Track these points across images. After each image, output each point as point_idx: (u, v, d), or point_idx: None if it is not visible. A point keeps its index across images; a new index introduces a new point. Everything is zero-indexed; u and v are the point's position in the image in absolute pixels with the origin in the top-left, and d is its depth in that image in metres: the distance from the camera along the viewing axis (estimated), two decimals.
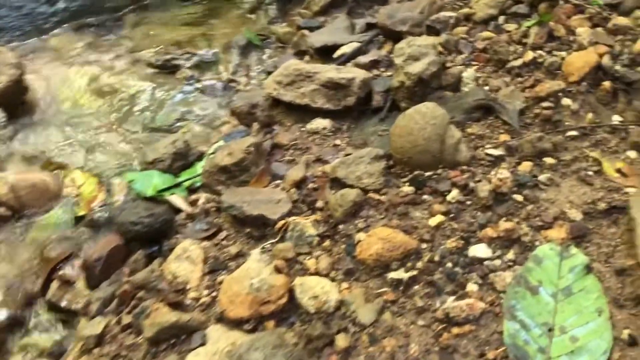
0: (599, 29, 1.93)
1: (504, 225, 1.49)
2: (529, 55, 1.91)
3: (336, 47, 2.34)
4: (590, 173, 1.60)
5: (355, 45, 2.30)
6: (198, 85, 2.47)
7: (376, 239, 1.50)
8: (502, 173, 1.57)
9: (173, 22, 2.91)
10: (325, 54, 2.40)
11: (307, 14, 2.74)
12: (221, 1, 3.01)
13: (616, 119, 1.72)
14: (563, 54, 1.89)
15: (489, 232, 1.49)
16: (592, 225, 1.48)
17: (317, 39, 2.41)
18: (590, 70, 1.79)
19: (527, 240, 1.47)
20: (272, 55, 2.61)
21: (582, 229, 1.46)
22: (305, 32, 2.57)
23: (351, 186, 1.69)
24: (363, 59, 2.20)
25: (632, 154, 1.63)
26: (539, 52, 1.92)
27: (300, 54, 2.53)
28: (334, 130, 2.02)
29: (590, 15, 1.98)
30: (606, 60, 1.81)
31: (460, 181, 1.62)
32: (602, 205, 1.50)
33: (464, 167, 1.67)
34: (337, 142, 1.97)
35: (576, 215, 1.49)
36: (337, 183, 1.73)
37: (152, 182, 1.87)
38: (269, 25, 2.77)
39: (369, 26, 2.41)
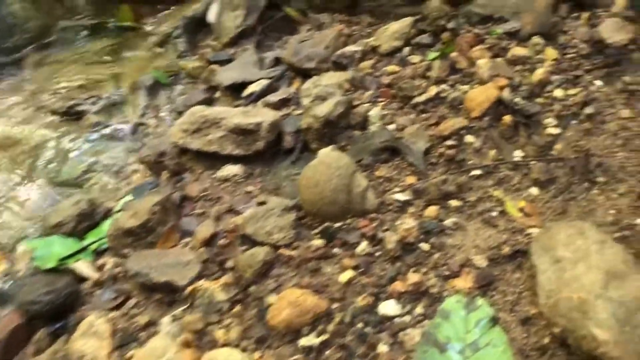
0: (499, 60, 1.94)
1: (412, 277, 1.48)
2: (433, 90, 1.91)
3: (245, 84, 2.29)
4: (495, 214, 1.62)
5: (264, 82, 2.25)
6: (106, 131, 2.37)
7: (286, 303, 1.47)
8: (408, 222, 1.57)
9: (78, 60, 2.78)
10: (235, 90, 2.35)
11: (217, 46, 2.67)
12: (129, 35, 2.90)
13: (518, 154, 1.74)
14: (465, 87, 1.90)
15: (398, 286, 1.48)
16: (497, 272, 1.49)
17: (226, 76, 2.35)
18: (491, 104, 1.80)
19: (435, 291, 1.47)
20: (182, 92, 2.53)
21: (487, 277, 1.47)
22: (215, 66, 2.50)
23: (261, 243, 1.66)
24: (272, 97, 2.16)
25: (534, 190, 1.66)
26: (442, 86, 1.93)
27: (210, 90, 2.46)
28: (245, 176, 1.97)
29: (490, 46, 2.00)
30: (506, 94, 1.83)
31: (369, 231, 1.60)
32: (506, 250, 1.52)
33: (373, 215, 1.65)
34: (250, 188, 1.93)
35: (481, 262, 1.50)
36: (248, 239, 1.69)
37: (53, 250, 1.77)
38: (178, 59, 2.67)
39: (278, 61, 2.36)
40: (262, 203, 1.82)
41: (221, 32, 2.68)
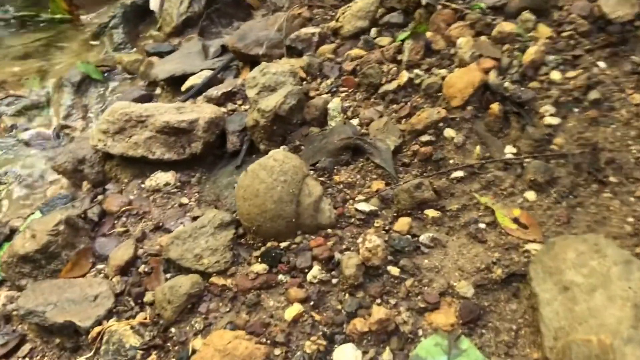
0: (483, 38, 1.61)
1: (378, 312, 1.13)
2: (404, 76, 1.57)
3: (185, 76, 1.94)
4: (483, 226, 1.28)
5: (206, 74, 1.90)
6: (23, 135, 2.01)
7: (212, 351, 1.12)
8: (373, 240, 1.21)
9: (2, 56, 2.42)
10: (176, 85, 2.00)
11: (160, 37, 2.32)
12: (62, 27, 2.54)
13: (509, 150, 1.40)
14: (443, 72, 1.56)
15: (359, 324, 1.13)
16: (487, 302, 1.15)
17: (163, 68, 2.01)
18: (474, 91, 1.47)
19: (407, 330, 1.13)
20: (117, 89, 2.18)
21: (474, 310, 1.12)
22: (154, 59, 2.15)
23: (188, 270, 1.31)
24: (215, 91, 1.81)
25: (530, 195, 1.32)
26: (416, 71, 1.59)
27: (151, 86, 2.12)
28: (180, 185, 1.63)
29: (472, 22, 1.67)
30: (493, 77, 1.50)
31: (323, 253, 1.25)
32: (498, 272, 1.17)
33: (329, 232, 1.31)
34: (184, 200, 1.59)
35: (467, 289, 1.16)
36: (173, 265, 1.34)
37: None
38: (114, 52, 2.32)
39: (225, 49, 2.01)
40: (197, 218, 1.47)
41: (165, 21, 2.33)
